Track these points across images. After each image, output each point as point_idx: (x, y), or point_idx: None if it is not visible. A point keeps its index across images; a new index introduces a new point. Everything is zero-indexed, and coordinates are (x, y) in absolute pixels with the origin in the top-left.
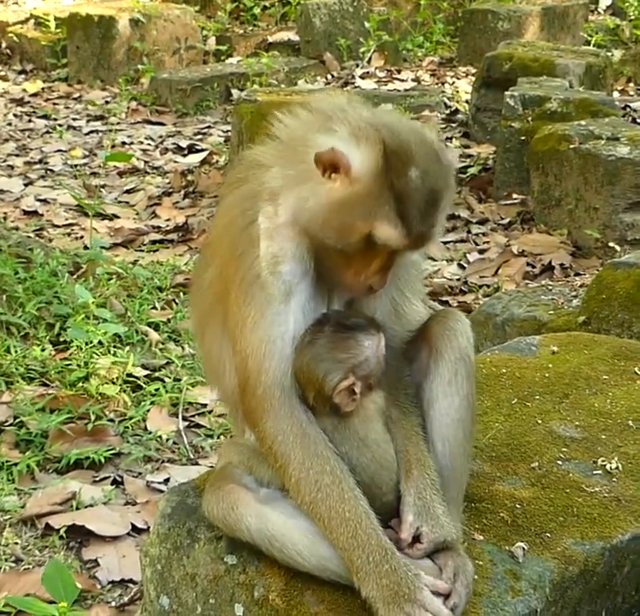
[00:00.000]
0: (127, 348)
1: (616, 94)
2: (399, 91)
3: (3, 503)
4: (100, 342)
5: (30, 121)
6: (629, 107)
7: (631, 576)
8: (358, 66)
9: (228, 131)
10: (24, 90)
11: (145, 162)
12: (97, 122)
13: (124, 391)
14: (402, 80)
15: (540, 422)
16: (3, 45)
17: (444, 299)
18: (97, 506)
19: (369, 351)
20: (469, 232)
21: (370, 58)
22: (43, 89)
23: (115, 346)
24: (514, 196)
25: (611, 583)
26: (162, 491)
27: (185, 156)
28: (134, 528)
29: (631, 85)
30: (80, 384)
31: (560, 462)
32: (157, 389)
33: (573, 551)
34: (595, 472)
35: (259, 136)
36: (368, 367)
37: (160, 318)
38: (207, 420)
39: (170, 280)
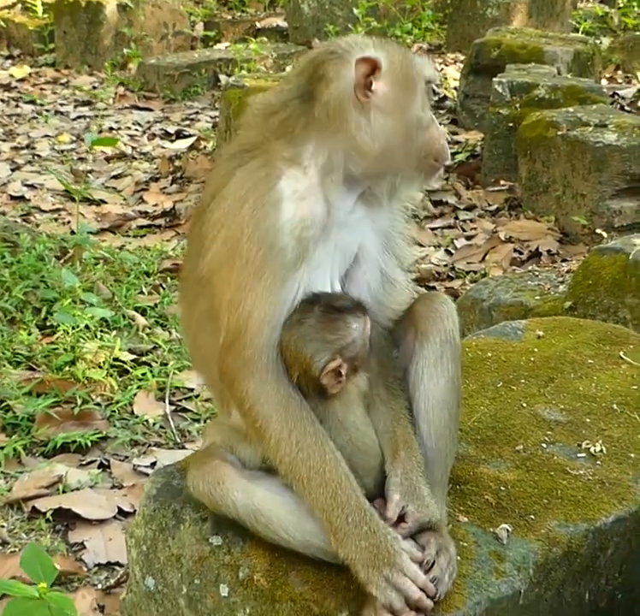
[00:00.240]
0: (114, 333)
1: (604, 81)
2: None
3: None
4: (87, 327)
5: (17, 106)
6: (617, 94)
7: (615, 558)
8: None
9: (215, 117)
10: (11, 75)
11: (133, 147)
12: (85, 108)
13: (111, 375)
14: None
15: (525, 405)
16: None
17: (431, 284)
18: (83, 489)
19: (356, 333)
20: (456, 218)
21: None
22: (30, 74)
23: (101, 331)
24: (502, 182)
25: (594, 565)
26: (148, 475)
27: (172, 141)
28: (121, 511)
29: (620, 72)
30: (67, 368)
31: (544, 445)
32: (143, 374)
33: (557, 533)
34: (579, 455)
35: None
36: (354, 349)
37: (147, 303)
38: (194, 404)
39: (157, 265)
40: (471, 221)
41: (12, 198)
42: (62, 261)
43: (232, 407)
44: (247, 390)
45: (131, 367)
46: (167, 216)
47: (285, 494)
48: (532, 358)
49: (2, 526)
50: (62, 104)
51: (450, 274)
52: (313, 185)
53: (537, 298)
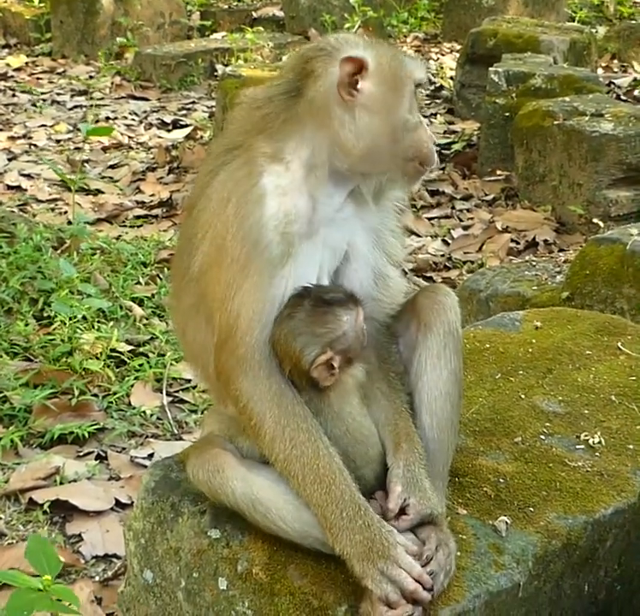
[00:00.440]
0: (111, 323)
1: (600, 71)
2: None
3: None
4: (84, 317)
5: (14, 95)
6: (613, 83)
7: (614, 550)
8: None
9: (212, 106)
10: (7, 64)
11: (129, 137)
12: (81, 97)
13: (108, 366)
14: None
15: (523, 396)
16: None
17: (428, 274)
18: (80, 481)
19: (347, 325)
20: (453, 208)
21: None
22: (26, 63)
23: (98, 322)
24: (498, 172)
25: (593, 557)
26: (146, 466)
27: (169, 131)
28: (118, 503)
29: (616, 61)
30: (64, 359)
31: (543, 437)
32: (140, 365)
33: (556, 525)
34: (577, 447)
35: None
36: (346, 341)
37: (144, 294)
38: (191, 395)
39: (154, 255)
40: (467, 211)
41: (9, 187)
42: (59, 251)
43: (228, 403)
44: (241, 388)
45: (128, 358)
46: (164, 206)
47: (284, 484)
48: (530, 350)
49: (0, 518)
50: (58, 94)
51: (447, 264)
52: (296, 180)
53: (535, 288)
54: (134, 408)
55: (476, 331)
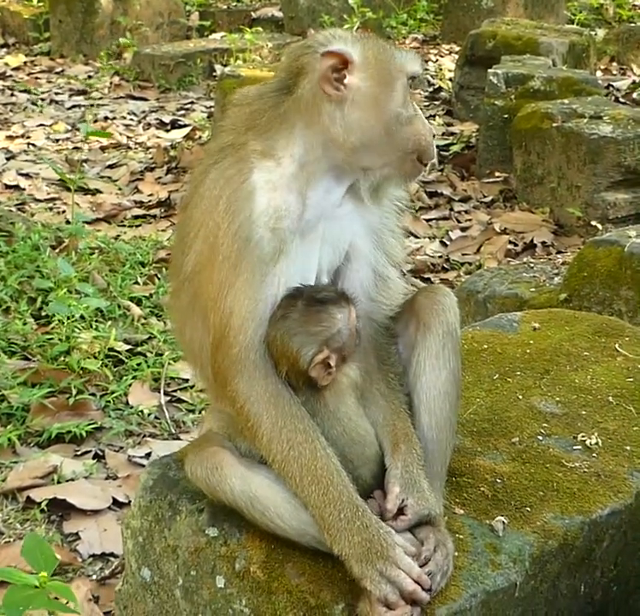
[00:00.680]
0: (109, 323)
1: (599, 73)
2: None
3: None
4: (82, 316)
5: (12, 95)
6: (612, 86)
7: (610, 550)
8: None
9: (211, 107)
10: (6, 64)
11: (128, 137)
12: (80, 97)
13: (106, 365)
14: None
15: (521, 397)
16: None
17: (426, 276)
18: (78, 479)
19: (341, 323)
20: (451, 209)
21: None
22: (25, 63)
23: (96, 321)
24: (497, 174)
25: (590, 558)
26: (143, 465)
27: (168, 131)
28: (115, 502)
29: (614, 64)
30: (62, 358)
31: (540, 437)
32: (138, 364)
33: (553, 525)
34: (575, 448)
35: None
36: (341, 339)
37: (142, 293)
38: (189, 395)
39: (152, 255)
40: (465, 212)
41: (7, 187)
42: (57, 251)
43: (225, 404)
44: (237, 390)
45: (126, 357)
46: (162, 205)
47: (282, 483)
48: (528, 351)
49: None
50: (57, 93)
51: (445, 265)
52: (287, 175)
53: (533, 290)
54: (132, 407)
55: (474, 332)
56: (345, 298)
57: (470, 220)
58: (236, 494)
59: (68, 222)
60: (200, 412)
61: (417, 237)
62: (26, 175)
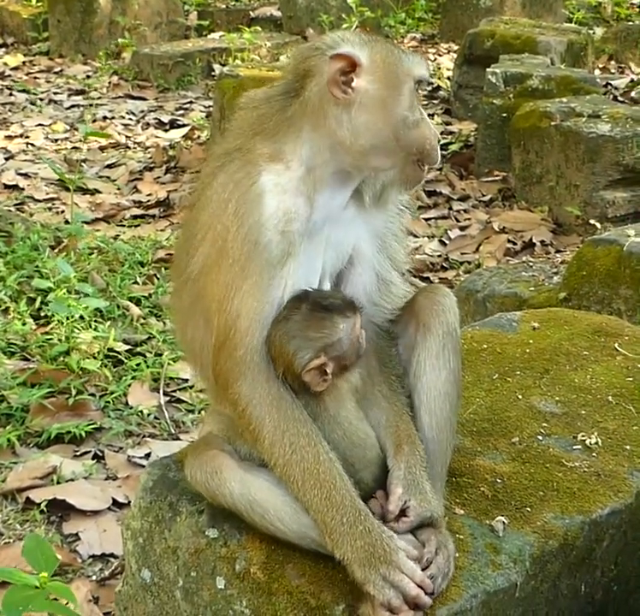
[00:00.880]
0: (109, 323)
1: (597, 72)
2: None
3: None
4: (81, 317)
5: (11, 94)
6: (610, 84)
7: (610, 550)
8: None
9: (209, 106)
10: (5, 63)
11: (127, 137)
12: (79, 97)
13: (105, 366)
14: None
15: (520, 397)
16: None
17: (425, 275)
18: (77, 480)
19: (342, 332)
20: (450, 208)
21: None
22: (24, 63)
23: (96, 321)
24: (495, 173)
25: (590, 557)
26: (143, 466)
27: (166, 131)
28: (115, 502)
29: (613, 62)
30: (61, 358)
31: (540, 437)
32: (138, 364)
33: (553, 525)
34: (574, 447)
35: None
36: (341, 348)
37: (141, 293)
38: (188, 395)
39: (152, 255)
40: (464, 211)
41: (6, 187)
42: (56, 251)
43: (226, 407)
44: (240, 392)
45: (125, 357)
46: (161, 205)
47: (282, 486)
48: (527, 350)
49: None
50: (55, 93)
51: (444, 264)
52: (296, 178)
53: (532, 289)
54: (131, 408)
55: (473, 332)
56: (351, 307)
57: (468, 219)
58: (236, 497)
59: (67, 222)
60: (200, 412)
61: (416, 236)
62: (25, 175)
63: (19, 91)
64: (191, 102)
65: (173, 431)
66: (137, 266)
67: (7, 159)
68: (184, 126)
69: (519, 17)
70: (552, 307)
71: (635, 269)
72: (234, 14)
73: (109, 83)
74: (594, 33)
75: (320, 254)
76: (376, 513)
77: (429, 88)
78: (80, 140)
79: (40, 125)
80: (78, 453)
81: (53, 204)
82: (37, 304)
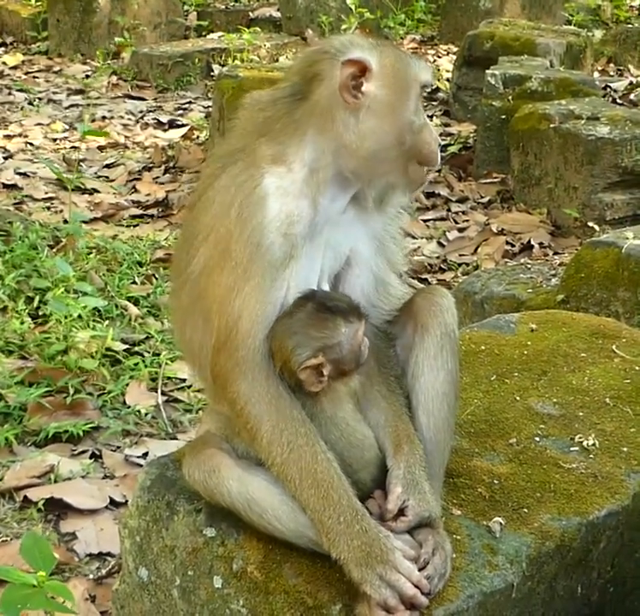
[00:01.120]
0: (107, 322)
1: (596, 74)
2: None
3: None
4: (79, 316)
5: (9, 93)
6: (609, 87)
7: (607, 551)
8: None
9: (208, 107)
10: (4, 63)
11: (126, 136)
12: (78, 96)
13: (103, 365)
14: None
15: (518, 398)
16: None
17: (423, 276)
18: (75, 479)
19: (343, 336)
20: (449, 210)
21: None
22: (23, 62)
23: (94, 320)
24: (494, 174)
25: (587, 559)
26: (140, 465)
27: (165, 131)
28: (112, 501)
29: (612, 65)
30: (59, 358)
31: (537, 438)
32: (136, 364)
33: (550, 526)
34: (572, 449)
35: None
36: (340, 352)
37: (140, 293)
38: (186, 395)
39: (150, 255)
40: (463, 213)
41: (4, 186)
42: (54, 250)
43: (224, 406)
44: (239, 391)
45: (123, 357)
46: (159, 205)
47: (279, 485)
48: (525, 352)
49: None
50: (54, 93)
51: (442, 266)
52: (298, 181)
53: (530, 291)
54: (129, 407)
55: (471, 333)
56: (357, 313)
57: (467, 220)
58: (234, 496)
59: (65, 222)
60: (197, 412)
61: (414, 237)
62: (24, 174)
63: (18, 90)
64: (190, 102)
65: (170, 431)
66: (135, 266)
67: (6, 158)
68: (183, 126)
69: (519, 19)
70: (550, 309)
71: (633, 272)
72: (234, 15)
73: (108, 83)
74: (593, 36)
75: (319, 256)
76: (373, 513)
77: (429, 90)
78: (79, 140)
79: (39, 124)
80: (75, 452)
81: (52, 204)
82: (35, 303)
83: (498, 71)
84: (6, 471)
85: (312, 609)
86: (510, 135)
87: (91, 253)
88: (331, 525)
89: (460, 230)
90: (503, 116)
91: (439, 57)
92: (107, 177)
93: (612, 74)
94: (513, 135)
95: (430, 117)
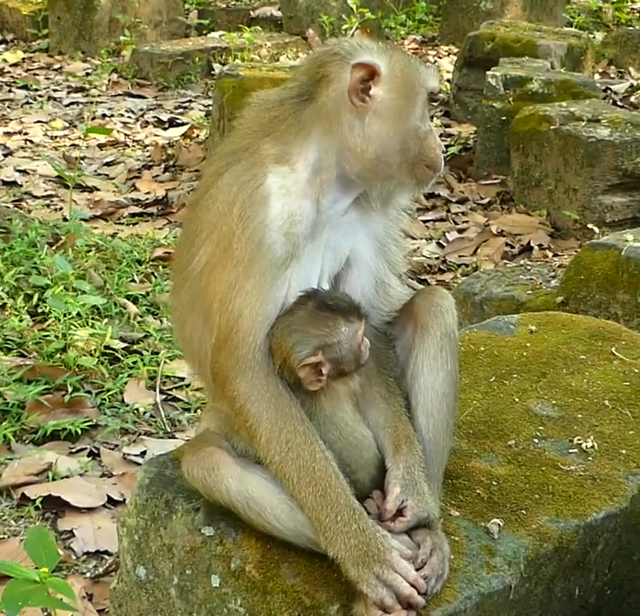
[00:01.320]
0: (106, 320)
1: (597, 76)
2: None
3: None
4: (78, 314)
5: (10, 91)
6: (610, 89)
7: (605, 554)
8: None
9: (209, 105)
10: (4, 60)
11: (126, 134)
12: (78, 94)
13: (102, 363)
14: None
15: (517, 400)
16: None
17: (423, 277)
18: (73, 477)
19: (343, 336)
20: (448, 211)
21: (352, 35)
22: (23, 59)
23: (93, 318)
24: (494, 176)
25: (585, 561)
26: (138, 464)
27: (165, 129)
28: (110, 500)
29: (613, 67)
30: (58, 355)
31: (536, 440)
32: (134, 362)
33: (548, 528)
34: (570, 451)
35: (240, 111)
36: (339, 351)
37: (139, 291)
38: (184, 394)
39: (149, 253)
40: (462, 214)
41: (4, 183)
42: (54, 248)
43: (223, 404)
44: (239, 389)
45: (122, 355)
46: (159, 204)
47: (278, 484)
48: (525, 353)
49: None
50: (55, 90)
51: (441, 267)
52: (301, 181)
53: (529, 292)
54: (127, 405)
55: (471, 334)
56: (357, 314)
57: (467, 222)
58: (232, 494)
59: (65, 220)
60: (196, 411)
61: (414, 238)
62: (24, 172)
63: (18, 87)
64: (190, 101)
65: (169, 429)
66: (134, 264)
67: (5, 155)
68: (183, 124)
69: (520, 20)
70: (549, 311)
71: (633, 274)
72: (235, 14)
73: (109, 81)
74: (594, 38)
75: (320, 255)
76: (372, 513)
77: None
78: (79, 138)
79: (39, 122)
80: (73, 450)
81: (51, 201)
82: (34, 300)
83: (499, 72)
84: (4, 469)
85: (310, 609)
86: (510, 137)
87: (90, 251)
88: (328, 524)
89: (460, 231)
90: (503, 118)
91: (439, 58)
92: (107, 175)
93: (612, 76)
94: (514, 137)
95: (431, 118)
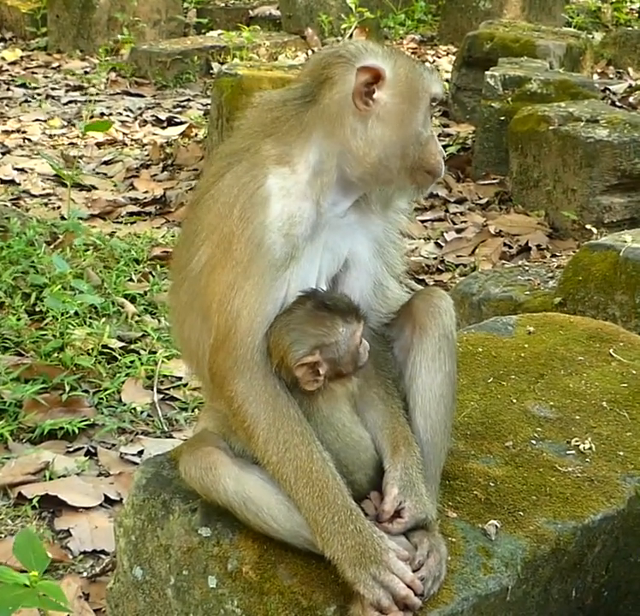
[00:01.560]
0: (103, 320)
1: (596, 76)
2: None
3: None
4: (76, 313)
5: (8, 89)
6: (608, 90)
7: (602, 555)
8: (339, 42)
9: (207, 104)
10: (2, 58)
11: (124, 133)
12: (76, 92)
13: (99, 362)
14: None
15: (515, 401)
16: None
17: (420, 277)
18: (70, 476)
19: (341, 336)
20: (446, 211)
21: (351, 35)
22: (22, 58)
23: (91, 318)
24: (492, 176)
25: (582, 563)
26: (135, 463)
27: (164, 128)
28: (107, 499)
29: (611, 67)
30: (56, 354)
31: (533, 441)
32: (132, 361)
33: (545, 530)
34: (568, 452)
35: (239, 110)
36: (336, 351)
37: (136, 290)
38: (182, 393)
39: (147, 252)
40: (461, 214)
41: (2, 181)
42: (52, 247)
43: (221, 404)
44: (236, 390)
45: (119, 354)
46: (157, 203)
47: (276, 484)
48: (522, 354)
49: None
50: (53, 89)
51: (439, 267)
52: (301, 182)
53: (527, 293)
54: (125, 405)
55: (469, 335)
56: (355, 315)
57: (465, 222)
58: (230, 494)
59: (63, 218)
60: (193, 411)
61: (412, 238)
62: (22, 170)
63: (17, 86)
64: (189, 99)
65: (166, 429)
66: (132, 263)
67: (3, 154)
68: (181, 123)
69: (519, 20)
70: (547, 311)
71: (631, 275)
72: (234, 13)
73: (107, 79)
74: (593, 38)
75: (318, 256)
76: (369, 514)
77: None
78: (78, 136)
79: (37, 120)
80: (70, 450)
81: (49, 200)
82: (32, 299)
83: (497, 72)
84: (1, 468)
85: (307, 610)
86: (509, 137)
87: (88, 250)
88: (325, 525)
89: (458, 231)
90: (502, 118)
91: (438, 58)
92: (105, 174)
93: (611, 76)
94: (512, 137)
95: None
